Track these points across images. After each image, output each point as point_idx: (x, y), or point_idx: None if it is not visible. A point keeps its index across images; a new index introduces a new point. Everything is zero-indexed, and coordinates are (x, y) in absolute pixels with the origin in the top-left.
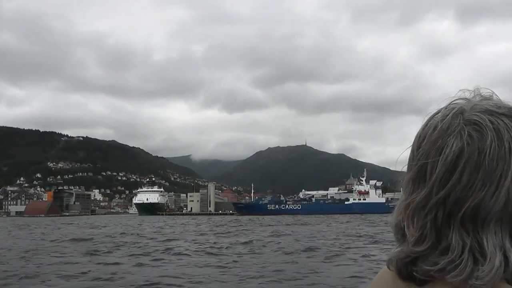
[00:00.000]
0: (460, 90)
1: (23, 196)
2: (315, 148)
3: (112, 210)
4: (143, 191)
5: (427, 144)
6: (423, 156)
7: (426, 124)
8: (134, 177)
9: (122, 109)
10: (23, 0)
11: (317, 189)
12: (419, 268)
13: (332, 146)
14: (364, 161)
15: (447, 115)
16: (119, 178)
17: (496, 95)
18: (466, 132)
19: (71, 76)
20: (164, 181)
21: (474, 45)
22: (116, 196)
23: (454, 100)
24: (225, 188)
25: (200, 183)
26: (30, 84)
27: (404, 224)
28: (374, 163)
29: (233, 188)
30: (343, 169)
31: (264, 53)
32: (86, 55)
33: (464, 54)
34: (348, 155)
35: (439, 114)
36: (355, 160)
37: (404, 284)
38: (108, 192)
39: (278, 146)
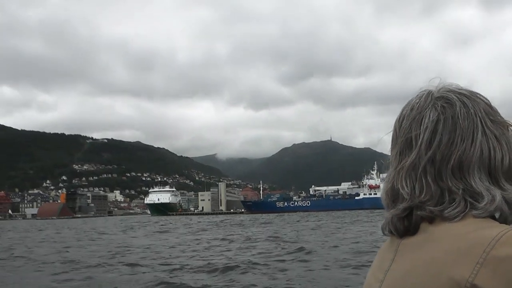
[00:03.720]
0: (425, 85)
1: (39, 199)
2: (340, 143)
3: (130, 211)
4: (154, 191)
5: (408, 120)
6: (407, 130)
7: (403, 109)
8: (159, 178)
9: (148, 110)
10: (49, 8)
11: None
12: (423, 211)
13: (358, 141)
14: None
15: (421, 97)
16: (144, 178)
17: (456, 84)
18: (439, 105)
19: (98, 80)
20: (189, 181)
21: (500, 32)
22: (140, 196)
23: (422, 89)
24: (250, 186)
25: (225, 181)
26: (58, 89)
27: (398, 187)
28: None
29: (259, 186)
30: (369, 163)
31: (287, 49)
32: (112, 58)
33: (490, 41)
34: (374, 149)
35: (413, 100)
36: (381, 153)
37: (397, 240)
38: (133, 192)
39: (303, 142)
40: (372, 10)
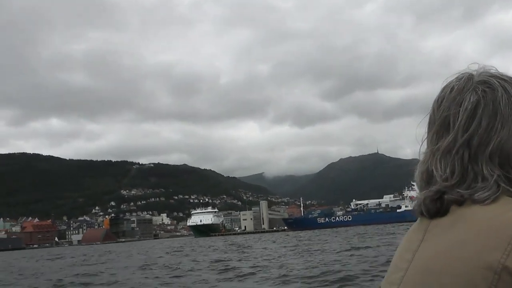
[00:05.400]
0: (464, 69)
1: (84, 225)
2: (387, 155)
3: (177, 234)
4: (196, 212)
5: (447, 101)
6: (445, 111)
7: (442, 90)
8: (206, 199)
9: (193, 133)
10: (91, 41)
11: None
12: (453, 194)
13: (406, 152)
14: None
15: (461, 78)
16: (191, 201)
17: (496, 69)
18: (480, 89)
19: (143, 106)
20: (236, 201)
21: None
22: (188, 219)
23: (462, 72)
24: (298, 203)
25: (273, 199)
26: (105, 118)
27: (433, 168)
28: None
29: (307, 202)
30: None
31: (329, 65)
32: (156, 85)
33: None
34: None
35: (453, 81)
36: None
37: (427, 221)
38: (181, 215)
39: (350, 157)
40: (412, 19)
